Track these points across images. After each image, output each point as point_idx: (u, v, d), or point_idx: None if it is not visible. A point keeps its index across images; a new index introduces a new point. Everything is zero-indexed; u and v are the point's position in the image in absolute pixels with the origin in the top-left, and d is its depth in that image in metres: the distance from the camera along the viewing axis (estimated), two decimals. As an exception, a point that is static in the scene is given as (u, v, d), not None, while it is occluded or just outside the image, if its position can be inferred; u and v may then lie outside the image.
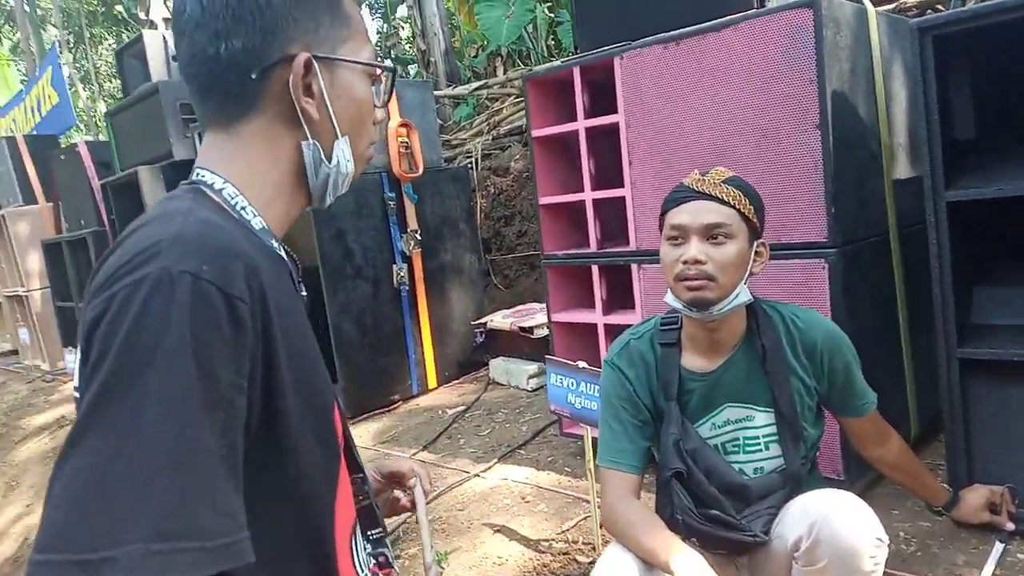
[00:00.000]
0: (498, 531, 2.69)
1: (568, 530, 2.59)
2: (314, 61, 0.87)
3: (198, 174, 0.89)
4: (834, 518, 1.46)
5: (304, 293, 0.98)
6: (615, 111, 2.75)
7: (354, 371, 4.24)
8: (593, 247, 2.94)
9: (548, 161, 3.11)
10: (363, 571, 0.97)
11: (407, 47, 10.21)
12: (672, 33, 2.58)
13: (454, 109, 7.56)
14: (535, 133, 3.06)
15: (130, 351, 0.65)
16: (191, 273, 0.69)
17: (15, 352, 8.76)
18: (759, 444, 1.74)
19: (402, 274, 4.40)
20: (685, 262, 1.62)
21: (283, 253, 0.91)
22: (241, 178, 0.88)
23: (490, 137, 6.38)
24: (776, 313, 1.76)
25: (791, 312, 1.77)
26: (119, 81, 6.70)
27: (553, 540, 2.56)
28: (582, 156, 2.91)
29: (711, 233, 1.61)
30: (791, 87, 2.32)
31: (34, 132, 10.23)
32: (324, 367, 0.93)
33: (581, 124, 2.89)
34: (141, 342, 0.66)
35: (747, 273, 1.67)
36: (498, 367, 4.44)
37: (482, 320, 4.66)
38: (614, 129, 2.77)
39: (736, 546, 1.69)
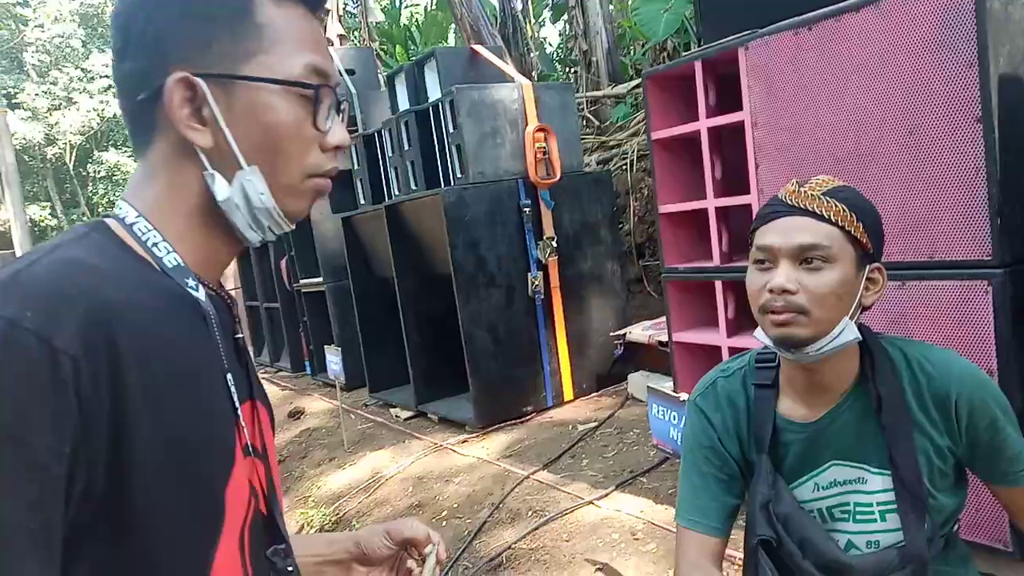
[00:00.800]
0: (600, 570, 2.49)
1: (673, 577, 2.33)
2: (200, 82, 0.74)
3: (117, 205, 0.80)
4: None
5: (239, 335, 0.84)
6: (741, 108, 2.45)
7: (486, 381, 4.17)
8: (716, 261, 2.65)
9: (670, 165, 2.85)
10: None
11: (565, 48, 10.07)
12: (803, 17, 2.25)
13: (613, 109, 7.33)
14: (655, 135, 2.82)
15: None
16: (7, 319, 0.60)
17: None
18: (873, 513, 1.42)
19: (537, 283, 4.28)
20: (771, 291, 1.33)
21: (201, 294, 0.77)
22: (152, 211, 0.78)
23: (646, 137, 6.10)
24: (899, 354, 1.42)
25: (920, 353, 1.41)
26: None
27: (656, 587, 2.32)
28: (704, 159, 2.63)
29: (804, 256, 1.29)
30: (946, 73, 1.93)
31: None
32: (221, 413, 0.77)
33: (703, 124, 2.61)
34: None
35: (855, 305, 1.34)
36: (636, 382, 4.20)
37: (621, 332, 4.43)
38: (739, 128, 2.48)
39: None
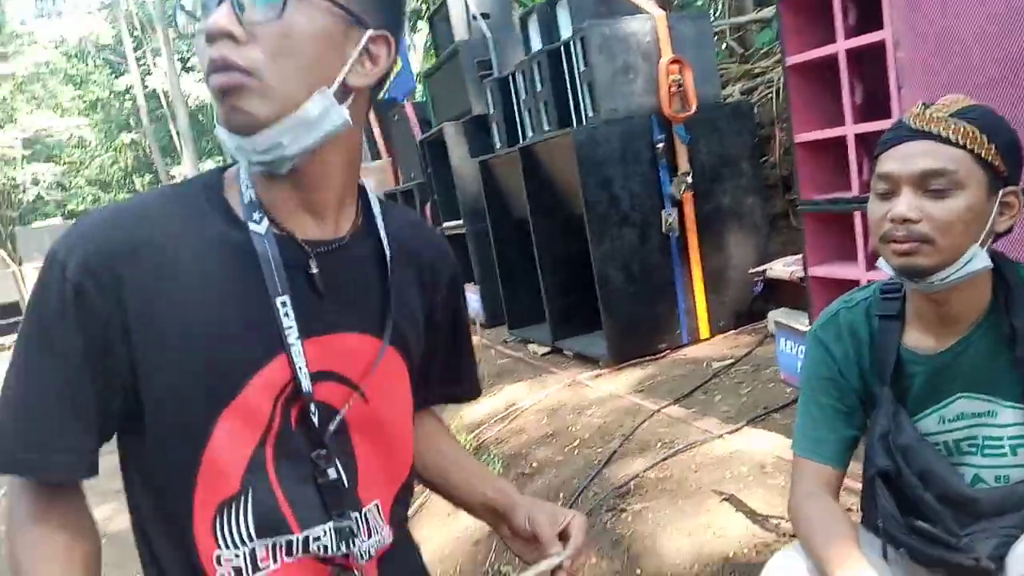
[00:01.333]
0: (726, 500, 2.52)
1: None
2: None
3: None
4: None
5: (314, 271, 0.93)
6: (881, 26, 2.30)
7: (619, 319, 4.21)
8: (855, 191, 2.54)
9: (806, 92, 2.73)
10: (234, 547, 0.89)
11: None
12: (951, -80, 2.07)
13: (759, 34, 6.96)
14: (789, 60, 2.69)
15: (24, 315, 0.89)
16: (54, 249, 0.85)
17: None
18: (1003, 447, 1.37)
19: (671, 220, 4.23)
20: (892, 220, 1.29)
21: (260, 228, 0.89)
22: None
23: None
24: None
25: None
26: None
27: (782, 519, 2.32)
28: (843, 84, 2.50)
29: (927, 183, 1.23)
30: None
31: (386, 97, 11.62)
32: (249, 328, 0.88)
33: (841, 46, 2.48)
34: (26, 309, 0.87)
35: (985, 232, 1.27)
36: (776, 319, 4.09)
37: (760, 268, 4.31)
38: (880, 49, 2.33)
39: (955, 569, 1.36)
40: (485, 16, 6.25)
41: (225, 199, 0.92)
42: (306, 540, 0.92)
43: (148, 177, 30.57)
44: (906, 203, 1.24)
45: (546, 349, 4.95)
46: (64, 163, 29.56)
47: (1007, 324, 1.31)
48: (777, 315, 3.23)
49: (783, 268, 4.13)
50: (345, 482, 0.95)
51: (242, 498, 0.88)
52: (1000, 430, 1.36)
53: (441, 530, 3.51)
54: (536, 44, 4.98)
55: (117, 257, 0.84)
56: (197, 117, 25.57)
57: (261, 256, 0.88)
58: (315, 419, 0.92)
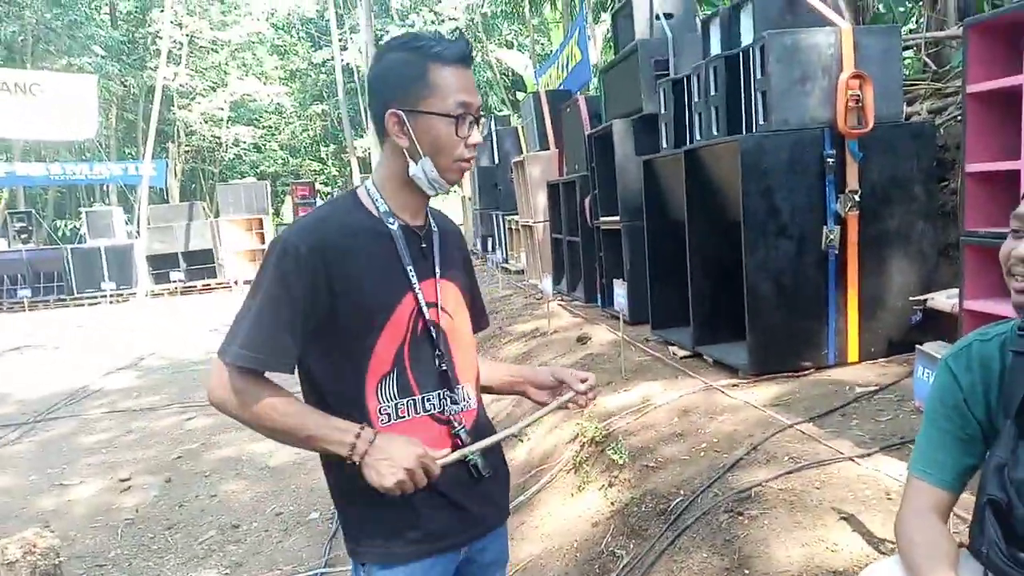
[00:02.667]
0: (844, 519, 2.53)
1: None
2: (402, 114, 1.51)
3: (369, 177, 1.69)
4: None
5: (423, 244, 1.64)
6: (1071, 61, 2.23)
7: (765, 330, 4.21)
8: (1023, 227, 2.45)
9: (985, 121, 2.66)
10: (388, 406, 1.55)
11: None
12: None
13: (956, 52, 6.55)
14: (971, 88, 2.64)
15: (261, 270, 1.50)
16: (285, 239, 1.50)
17: (521, 272, 10.54)
18: None
19: (832, 237, 4.16)
20: (1016, 258, 1.34)
21: (394, 226, 1.58)
22: (379, 180, 1.61)
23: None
24: None
25: None
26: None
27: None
28: (1022, 117, 2.43)
29: None
30: None
31: (560, 87, 11.87)
32: (388, 281, 1.55)
33: (1025, 78, 2.40)
34: (265, 268, 1.50)
35: None
36: (931, 351, 3.94)
37: (921, 298, 4.15)
38: (1067, 84, 2.25)
39: None
40: (668, 16, 6.33)
41: (364, 206, 1.59)
42: (424, 399, 1.59)
43: (332, 147, 32.67)
44: None
45: (686, 352, 5.00)
46: (262, 127, 32.13)
47: None
48: (927, 345, 3.14)
49: (945, 300, 3.98)
50: (448, 368, 1.62)
51: (392, 374, 1.55)
52: None
53: (563, 507, 3.71)
54: (716, 48, 5.01)
55: (322, 241, 1.50)
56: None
57: (397, 241, 1.58)
58: (432, 330, 1.58)
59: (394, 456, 1.43)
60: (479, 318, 1.83)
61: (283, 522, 4.42)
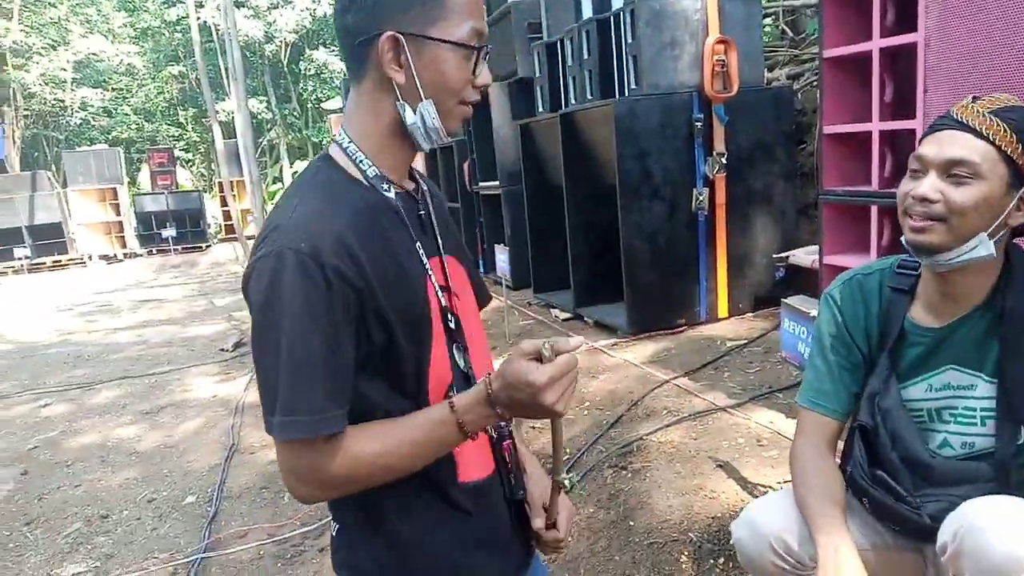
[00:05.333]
0: (720, 467, 2.67)
1: (788, 482, 2.47)
2: (401, 38, 1.08)
3: (339, 133, 1.20)
4: (989, 531, 1.24)
5: (421, 212, 1.22)
6: (916, 28, 2.38)
7: (641, 291, 4.34)
8: (875, 185, 2.63)
9: (840, 85, 2.80)
10: None
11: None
12: (996, -69, 2.13)
13: (811, 20, 6.92)
14: (827, 53, 2.77)
15: (266, 304, 1.04)
16: (294, 250, 1.02)
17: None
18: (975, 417, 1.49)
19: (702, 198, 4.32)
20: (914, 198, 1.41)
21: (391, 195, 1.16)
22: (358, 133, 1.17)
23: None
24: None
25: None
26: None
27: (771, 488, 2.47)
28: (874, 81, 2.58)
29: (951, 169, 1.35)
30: None
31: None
32: (411, 266, 1.15)
33: (876, 44, 2.55)
34: (271, 299, 1.03)
35: (997, 223, 1.37)
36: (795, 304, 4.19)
37: (784, 255, 4.40)
38: (913, 49, 2.40)
39: (901, 523, 1.50)
40: (542, -22, 6.29)
41: (352, 176, 1.15)
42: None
43: (192, 111, 30.88)
44: (929, 184, 1.36)
45: (568, 315, 5.10)
46: (111, 90, 29.92)
47: (1000, 304, 1.42)
48: (790, 300, 3.34)
49: (806, 256, 4.23)
50: (468, 365, 1.23)
51: (454, 385, 1.18)
52: (976, 402, 1.48)
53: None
54: (587, 12, 5.04)
55: (343, 241, 1.05)
56: (245, 54, 25.69)
57: (400, 212, 1.16)
58: (451, 323, 1.20)
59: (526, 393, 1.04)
60: (481, 293, 1.46)
61: (156, 508, 4.19)
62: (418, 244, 1.17)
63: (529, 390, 1.01)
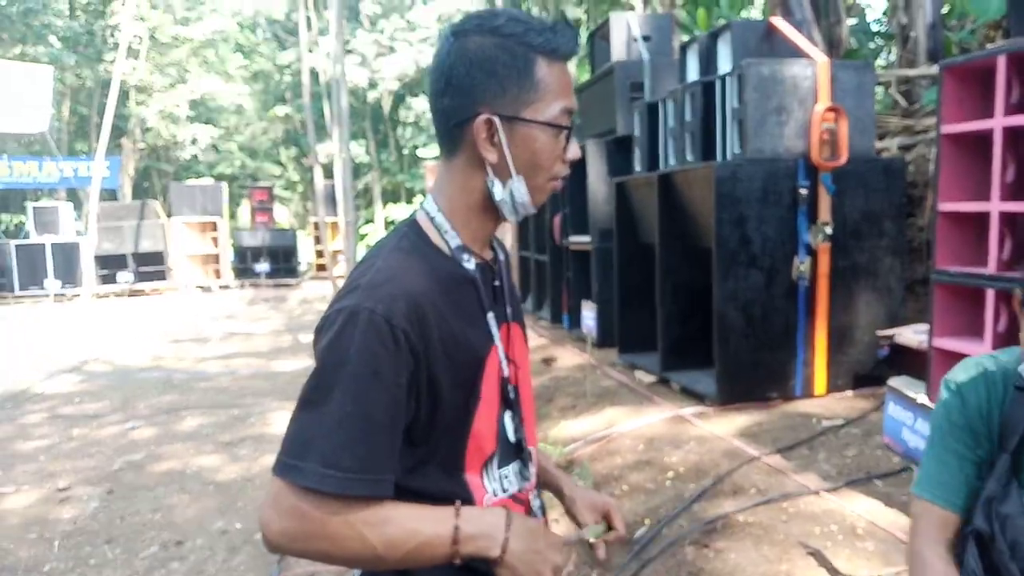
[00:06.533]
0: (811, 554, 2.50)
1: (889, 580, 2.28)
2: (495, 120, 1.12)
3: (425, 199, 1.25)
4: None
5: (497, 283, 1.26)
6: (1051, 107, 2.24)
7: (733, 360, 4.19)
8: (992, 268, 2.46)
9: (957, 162, 2.67)
10: (494, 493, 1.21)
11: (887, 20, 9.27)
12: None
13: (927, 90, 6.69)
14: (945, 129, 2.65)
15: (331, 356, 1.05)
16: (369, 309, 1.05)
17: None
18: None
19: (803, 268, 4.16)
20: None
21: (472, 265, 1.19)
22: (448, 204, 1.20)
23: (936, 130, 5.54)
24: None
25: None
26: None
27: (869, 586, 2.28)
28: (995, 159, 2.43)
29: None
30: None
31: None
32: (478, 335, 1.18)
33: (999, 121, 2.42)
34: (337, 351, 1.05)
35: None
36: (897, 387, 3.96)
37: (889, 332, 4.18)
38: (1046, 129, 2.26)
39: None
40: (646, 39, 6.34)
41: (435, 244, 1.19)
42: (502, 477, 1.23)
43: (293, 151, 32.26)
44: None
45: (653, 378, 4.96)
46: (221, 127, 31.58)
47: None
48: (895, 381, 3.14)
49: (912, 335, 4.00)
50: (522, 437, 1.26)
51: (496, 454, 1.21)
52: None
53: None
54: (693, 75, 5.01)
55: (417, 307, 1.07)
56: (349, 100, 26.78)
57: (476, 283, 1.19)
58: (511, 394, 1.22)
59: (542, 548, 1.13)
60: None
61: (229, 540, 4.23)
62: (490, 315, 1.20)
63: (542, 563, 1.12)
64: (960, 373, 1.50)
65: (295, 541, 1.05)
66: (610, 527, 1.36)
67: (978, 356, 1.51)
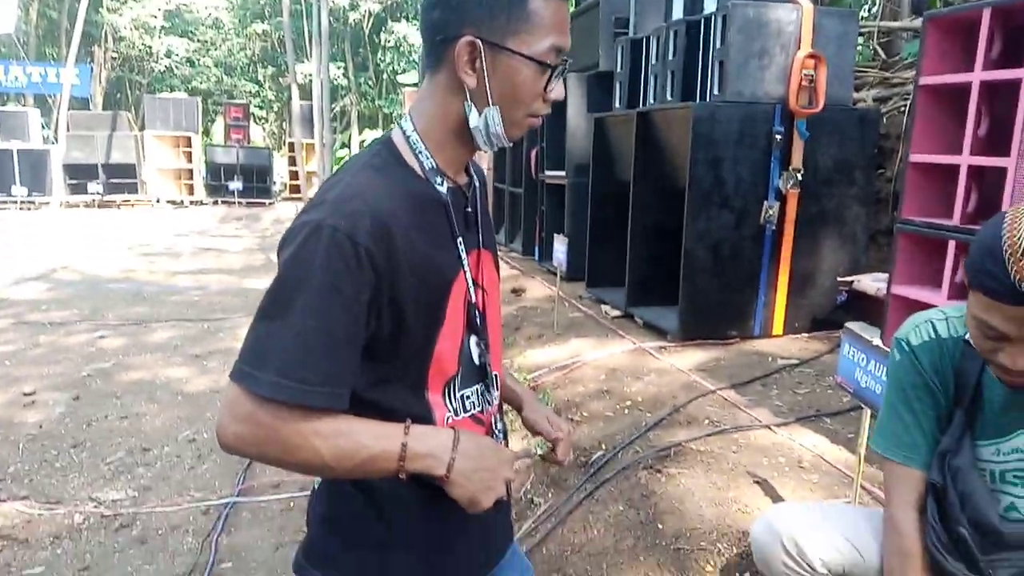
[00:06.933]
0: (757, 483, 2.63)
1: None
2: (479, 43, 1.10)
3: (404, 118, 1.23)
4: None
5: (469, 209, 1.25)
6: (1021, 64, 2.29)
7: (696, 297, 4.29)
8: (956, 220, 2.55)
9: (932, 115, 2.73)
10: (456, 412, 1.23)
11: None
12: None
13: (908, 44, 6.72)
14: (923, 80, 2.70)
15: (293, 269, 1.05)
16: (332, 226, 1.04)
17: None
18: None
19: (771, 212, 4.24)
20: (1007, 371, 1.32)
21: (443, 189, 1.19)
22: (424, 124, 1.19)
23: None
24: None
25: None
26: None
27: (808, 512, 2.42)
28: (970, 113, 2.50)
29: None
30: None
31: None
32: (446, 257, 1.19)
33: (977, 76, 2.47)
34: (300, 265, 1.05)
35: None
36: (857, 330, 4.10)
37: (848, 279, 4.30)
38: (1016, 86, 2.32)
39: None
40: (632, -26, 6.24)
41: (408, 164, 1.18)
42: (464, 398, 1.25)
43: (271, 69, 31.43)
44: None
45: (618, 313, 5.07)
46: (197, 41, 30.62)
47: None
48: (853, 325, 3.26)
49: (871, 282, 4.13)
50: (487, 359, 1.28)
51: (457, 376, 1.22)
52: None
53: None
54: (678, 12, 4.98)
55: (382, 226, 1.07)
56: (329, 20, 26.04)
57: (447, 207, 1.19)
58: (477, 319, 1.24)
59: (491, 464, 1.14)
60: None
61: (196, 449, 4.32)
62: (459, 240, 1.20)
63: (491, 479, 1.14)
64: (912, 333, 1.53)
65: (248, 445, 1.06)
66: (553, 450, 1.42)
67: (926, 312, 1.55)
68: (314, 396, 1.03)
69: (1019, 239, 1.19)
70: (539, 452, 1.42)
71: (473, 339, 1.24)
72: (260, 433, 1.05)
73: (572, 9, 6.73)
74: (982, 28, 2.42)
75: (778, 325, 4.43)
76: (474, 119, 1.14)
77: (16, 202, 16.89)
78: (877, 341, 2.86)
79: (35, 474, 3.96)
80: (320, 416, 1.05)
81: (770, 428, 3.07)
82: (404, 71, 25.92)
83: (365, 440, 1.08)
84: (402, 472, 1.09)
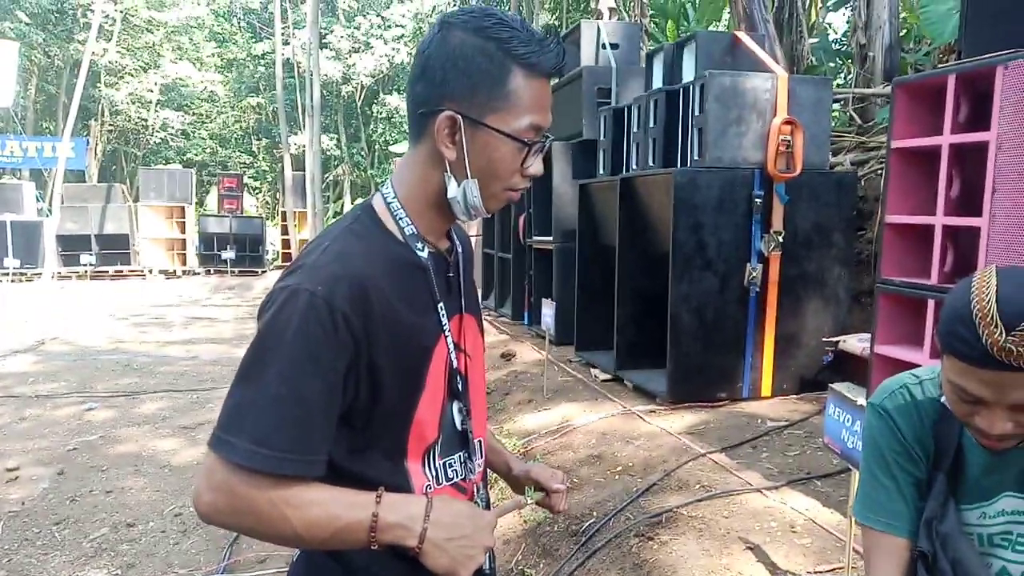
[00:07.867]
0: (750, 549, 2.60)
1: (819, 573, 2.40)
2: (459, 119, 1.13)
3: (385, 185, 1.25)
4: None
5: (451, 274, 1.26)
6: (988, 128, 2.37)
7: (684, 360, 4.31)
8: (934, 279, 2.59)
9: (906, 177, 2.79)
10: (437, 481, 1.21)
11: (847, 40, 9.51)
12: (1076, 39, 2.13)
13: (882, 109, 6.90)
14: (895, 143, 2.77)
15: (269, 334, 1.06)
16: (309, 291, 1.05)
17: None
18: None
19: (755, 274, 4.30)
20: (985, 435, 1.29)
21: (424, 254, 1.20)
22: (405, 192, 1.21)
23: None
24: None
25: None
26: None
27: (800, 578, 2.39)
28: (941, 175, 2.56)
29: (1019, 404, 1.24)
30: None
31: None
32: (427, 322, 1.18)
33: (946, 139, 2.54)
34: (277, 330, 1.05)
35: None
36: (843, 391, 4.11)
37: (834, 339, 4.33)
38: (983, 148, 2.39)
39: None
40: (614, 46, 6.45)
41: (388, 230, 1.19)
42: (446, 465, 1.24)
43: (265, 141, 31.95)
44: (1000, 422, 1.27)
45: (608, 376, 5.07)
46: (192, 114, 31.19)
47: None
48: (837, 385, 3.26)
49: (856, 343, 4.15)
50: (468, 426, 1.26)
51: (438, 442, 1.21)
52: None
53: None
54: (658, 82, 5.13)
55: (361, 291, 1.08)
56: (322, 93, 26.62)
57: (428, 271, 1.20)
58: (459, 384, 1.24)
59: (469, 532, 1.11)
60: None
61: (182, 523, 4.24)
62: (440, 304, 1.20)
63: (469, 548, 1.10)
64: (883, 398, 1.51)
65: (223, 515, 1.05)
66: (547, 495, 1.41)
67: (899, 377, 1.52)
68: (286, 464, 1.02)
69: (988, 303, 1.21)
70: (532, 500, 1.40)
71: (455, 405, 1.24)
72: (234, 503, 1.04)
73: (555, 81, 6.93)
74: (948, 93, 2.51)
75: (766, 387, 4.43)
76: (452, 190, 1.16)
77: (8, 274, 16.91)
78: (862, 401, 2.86)
79: (14, 554, 3.88)
80: (292, 484, 1.04)
81: (761, 492, 3.05)
82: (396, 141, 26.40)
83: (337, 510, 1.06)
84: (374, 543, 1.06)
